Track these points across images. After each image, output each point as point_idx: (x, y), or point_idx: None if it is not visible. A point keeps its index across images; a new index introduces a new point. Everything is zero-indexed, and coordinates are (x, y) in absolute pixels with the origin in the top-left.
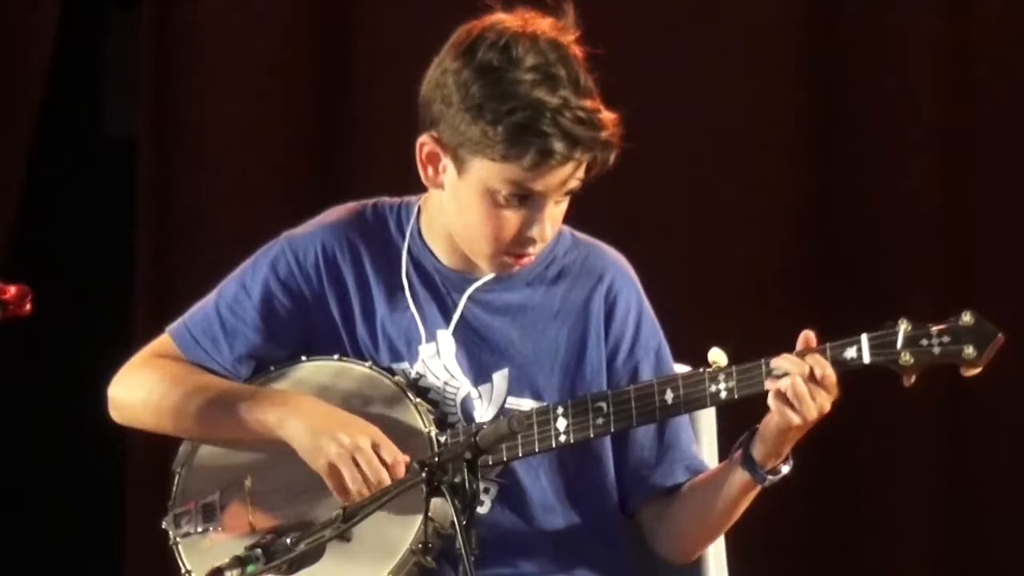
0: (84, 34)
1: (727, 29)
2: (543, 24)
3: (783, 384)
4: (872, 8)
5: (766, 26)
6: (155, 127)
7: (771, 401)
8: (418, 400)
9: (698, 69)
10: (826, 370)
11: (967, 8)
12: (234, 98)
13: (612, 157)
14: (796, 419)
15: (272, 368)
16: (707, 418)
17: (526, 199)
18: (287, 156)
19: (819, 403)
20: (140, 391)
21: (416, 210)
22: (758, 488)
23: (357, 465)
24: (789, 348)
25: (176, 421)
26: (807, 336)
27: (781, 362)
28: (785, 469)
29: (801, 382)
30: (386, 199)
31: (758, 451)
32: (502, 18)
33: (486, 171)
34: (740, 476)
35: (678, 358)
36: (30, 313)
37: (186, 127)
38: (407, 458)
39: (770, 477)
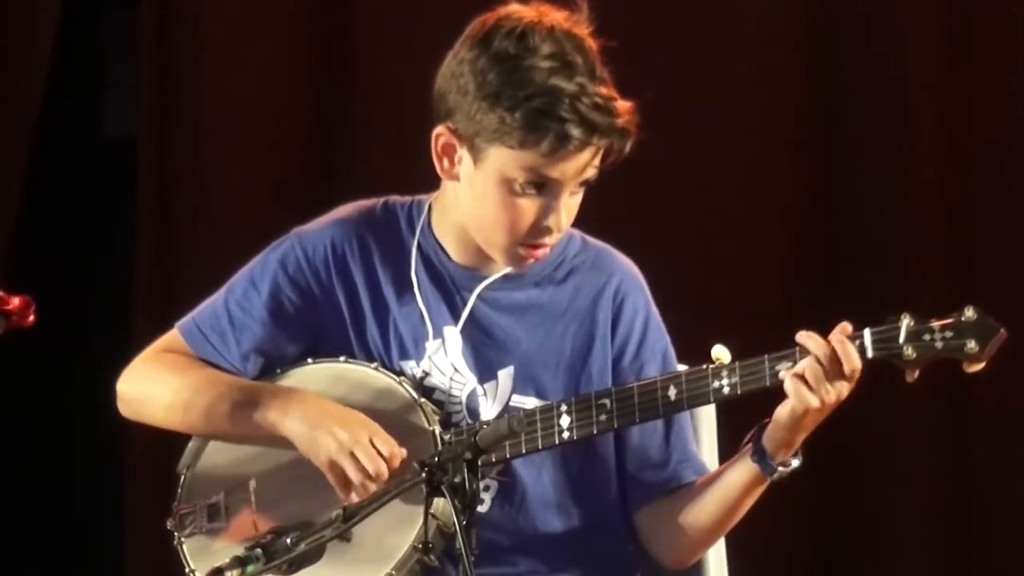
0: (84, 34)
1: (728, 30)
2: (558, 16)
3: (802, 366)
4: (873, 9)
5: (767, 27)
6: (155, 127)
7: (789, 383)
8: (423, 400)
9: (698, 70)
10: (853, 360)
11: (967, 8)
12: (234, 98)
13: (628, 146)
14: (814, 401)
15: (278, 370)
16: (707, 418)
17: (543, 187)
18: (287, 156)
19: (838, 389)
20: (148, 386)
21: (427, 207)
22: (764, 485)
23: (356, 459)
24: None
25: (184, 416)
26: (843, 328)
27: (807, 341)
28: (795, 462)
29: (820, 366)
30: (396, 197)
31: (770, 440)
32: (517, 8)
33: (503, 159)
34: (748, 469)
35: (679, 359)
36: (33, 324)
37: (186, 127)
38: (403, 451)
39: (780, 469)
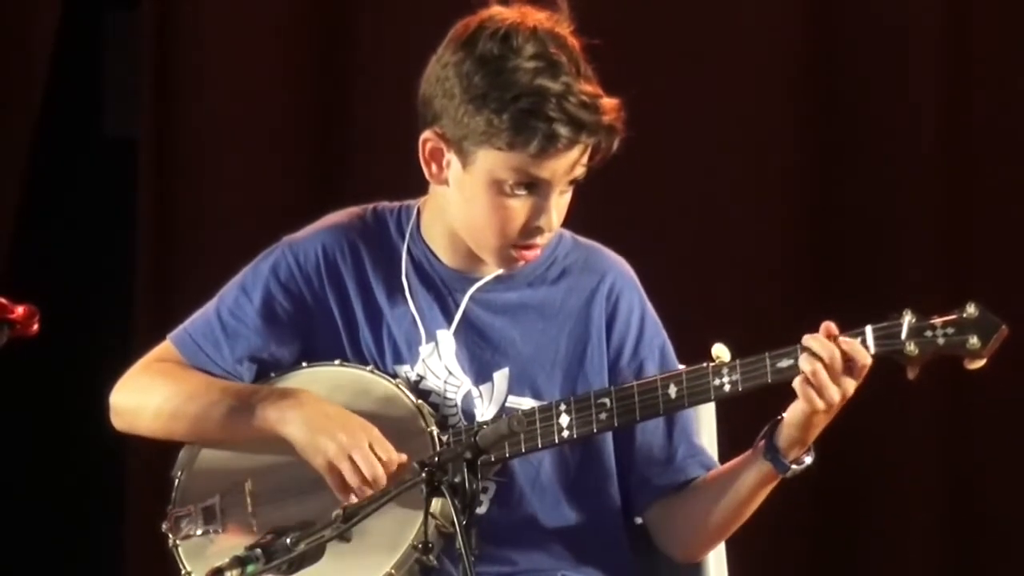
0: (84, 34)
1: (728, 25)
2: (540, 15)
3: (807, 367)
4: (874, 8)
5: (768, 24)
6: (155, 127)
7: (797, 385)
8: (420, 402)
9: (698, 66)
10: (860, 358)
11: (967, 10)
12: (234, 98)
13: (615, 143)
14: (820, 404)
15: (272, 375)
16: (707, 418)
17: (532, 187)
18: (287, 156)
19: (843, 388)
20: (141, 397)
21: (416, 212)
22: (776, 481)
23: (354, 464)
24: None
25: (178, 424)
26: (827, 327)
27: (811, 343)
28: (808, 460)
29: (822, 368)
30: (386, 203)
31: (783, 439)
32: (499, 10)
33: (492, 161)
34: (761, 467)
35: (679, 359)
36: (37, 333)
37: (186, 127)
38: (403, 457)
39: (793, 467)
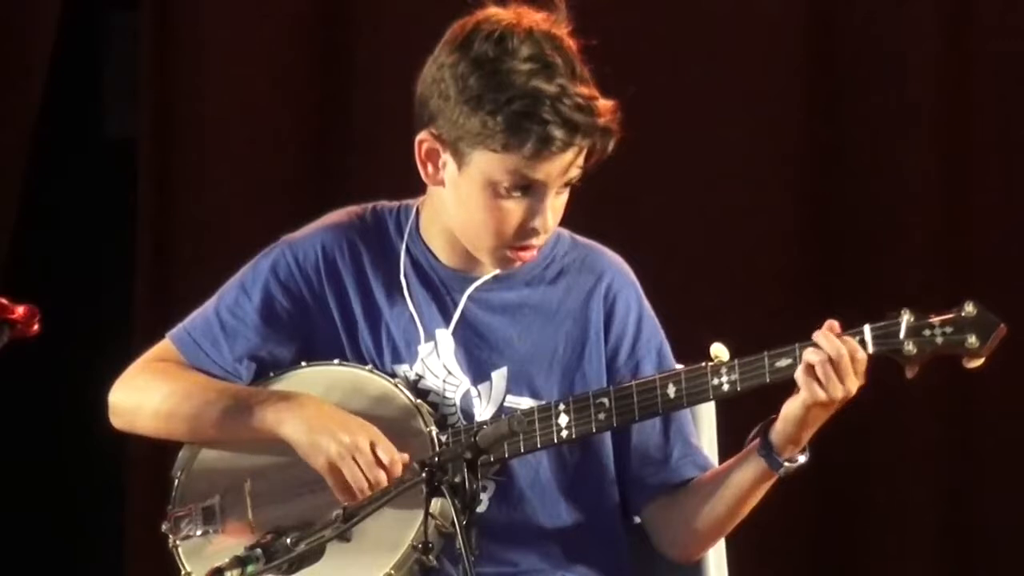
0: (84, 34)
1: (727, 25)
2: (536, 17)
3: (814, 359)
4: (874, 6)
5: (767, 24)
6: (155, 127)
7: (799, 375)
8: (419, 401)
9: (697, 67)
10: (857, 354)
11: (968, 10)
12: (234, 98)
13: (611, 145)
14: (822, 394)
15: (271, 374)
16: (707, 417)
17: (528, 189)
18: (288, 156)
19: (846, 385)
20: (140, 396)
21: (414, 211)
22: (772, 480)
23: (357, 465)
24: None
25: (176, 424)
26: (831, 325)
27: (819, 339)
28: (802, 459)
29: (830, 362)
30: (385, 202)
31: (778, 435)
32: (496, 11)
33: (486, 163)
34: (756, 465)
35: (679, 359)
36: (38, 333)
37: (186, 127)
38: (405, 457)
39: (787, 465)
